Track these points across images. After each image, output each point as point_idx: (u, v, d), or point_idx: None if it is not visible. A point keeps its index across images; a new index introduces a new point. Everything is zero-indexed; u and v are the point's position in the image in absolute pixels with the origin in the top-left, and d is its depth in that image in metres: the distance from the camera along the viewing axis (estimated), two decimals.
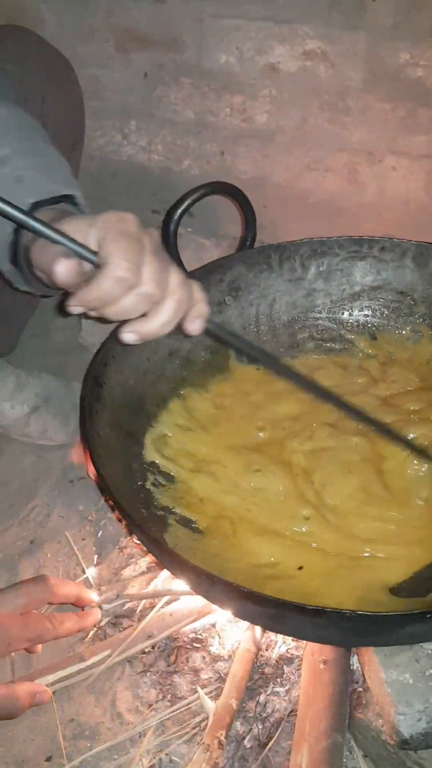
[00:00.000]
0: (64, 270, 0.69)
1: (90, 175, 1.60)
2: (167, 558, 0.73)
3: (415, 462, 0.92)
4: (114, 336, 0.98)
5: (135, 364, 1.01)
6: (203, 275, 1.07)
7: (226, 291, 1.09)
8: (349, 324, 1.13)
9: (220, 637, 1.01)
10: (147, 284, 0.70)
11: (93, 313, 0.73)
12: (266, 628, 0.82)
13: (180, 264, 1.08)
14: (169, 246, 1.07)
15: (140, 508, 0.89)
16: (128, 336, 0.73)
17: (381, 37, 1.26)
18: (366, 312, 1.11)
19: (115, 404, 0.95)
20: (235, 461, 0.97)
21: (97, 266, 0.69)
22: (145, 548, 0.80)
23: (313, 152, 1.41)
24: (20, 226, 0.70)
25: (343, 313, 1.13)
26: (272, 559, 0.85)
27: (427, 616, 0.62)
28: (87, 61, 1.39)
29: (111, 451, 0.89)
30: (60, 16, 1.41)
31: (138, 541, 0.90)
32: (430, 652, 0.80)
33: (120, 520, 1.15)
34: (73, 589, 0.90)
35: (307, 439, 0.98)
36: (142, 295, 0.70)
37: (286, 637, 0.96)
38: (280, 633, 0.81)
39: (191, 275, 1.07)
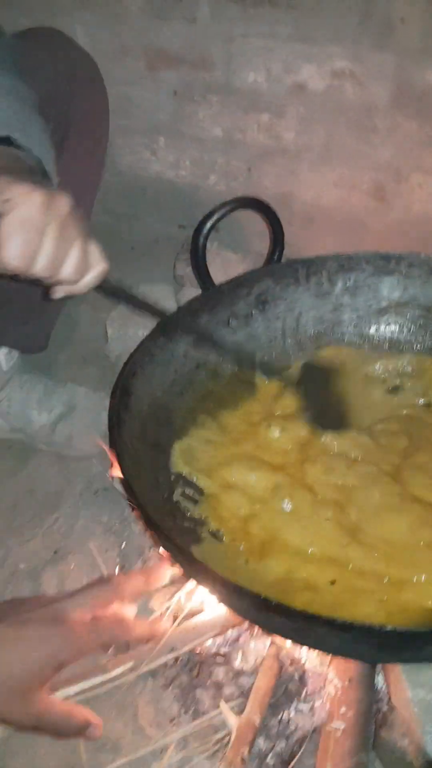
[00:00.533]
0: None
1: (119, 190, 1.62)
2: (195, 568, 0.73)
3: None
4: (142, 347, 0.99)
5: (162, 375, 1.01)
6: (231, 288, 1.07)
7: (254, 304, 1.10)
8: (376, 339, 1.13)
9: (243, 652, 1.00)
10: (54, 228, 0.72)
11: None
12: (293, 641, 0.81)
13: (208, 277, 1.09)
14: (198, 260, 1.08)
15: (167, 519, 0.88)
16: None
17: (409, 58, 1.27)
18: (393, 327, 1.11)
19: (143, 415, 0.96)
20: (263, 480, 0.96)
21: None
22: (172, 559, 0.80)
23: (339, 170, 1.42)
24: None
25: (369, 329, 1.13)
26: (304, 574, 0.84)
27: None
28: (118, 79, 1.41)
29: (138, 462, 0.89)
30: (93, 36, 1.43)
31: (165, 552, 0.90)
32: None
33: (146, 531, 1.15)
34: (140, 581, 0.82)
35: (328, 471, 0.97)
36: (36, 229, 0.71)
37: (310, 652, 0.95)
38: (307, 646, 0.80)
39: (219, 288, 1.08)
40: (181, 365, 1.04)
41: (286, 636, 0.75)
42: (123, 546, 1.16)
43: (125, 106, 1.50)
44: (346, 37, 1.28)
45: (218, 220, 1.07)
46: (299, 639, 0.73)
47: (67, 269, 0.76)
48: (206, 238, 1.06)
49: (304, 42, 1.32)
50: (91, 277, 0.80)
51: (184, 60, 1.41)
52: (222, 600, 0.75)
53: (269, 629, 0.78)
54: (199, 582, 0.81)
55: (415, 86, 1.28)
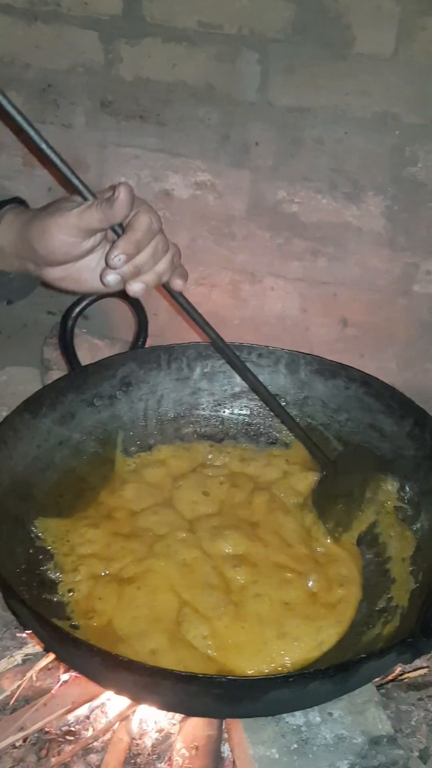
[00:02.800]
0: (127, 194, 0.86)
1: None
2: (38, 624, 0.75)
3: None
4: (7, 422, 1.03)
5: (25, 451, 1.05)
6: (97, 369, 1.14)
7: (118, 386, 1.16)
8: (229, 421, 1.22)
9: (93, 728, 1.01)
10: (162, 233, 0.92)
11: (127, 266, 0.89)
12: (143, 700, 0.83)
13: (75, 358, 1.15)
14: (66, 341, 1.14)
15: (23, 589, 0.90)
16: (137, 286, 0.92)
17: (262, 176, 1.43)
18: (245, 411, 1.21)
19: (3, 489, 0.98)
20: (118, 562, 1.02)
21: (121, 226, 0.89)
22: (20, 621, 0.81)
23: (201, 269, 1.55)
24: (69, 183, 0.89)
25: (224, 411, 1.23)
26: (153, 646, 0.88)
27: (290, 679, 0.68)
28: None
29: None
30: None
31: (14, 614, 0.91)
32: (294, 727, 0.84)
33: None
34: None
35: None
36: (160, 241, 0.90)
37: (159, 725, 0.98)
38: (156, 705, 0.83)
39: (85, 369, 1.14)
40: (44, 441, 1.08)
41: (134, 695, 0.78)
42: None
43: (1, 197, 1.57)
44: (208, 153, 1.43)
45: (86, 306, 1.14)
46: (148, 696, 0.76)
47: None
48: (74, 321, 1.13)
49: (170, 154, 1.46)
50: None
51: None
52: (68, 662, 0.77)
53: (117, 688, 0.81)
54: (36, 635, 0.83)
55: (267, 201, 1.44)
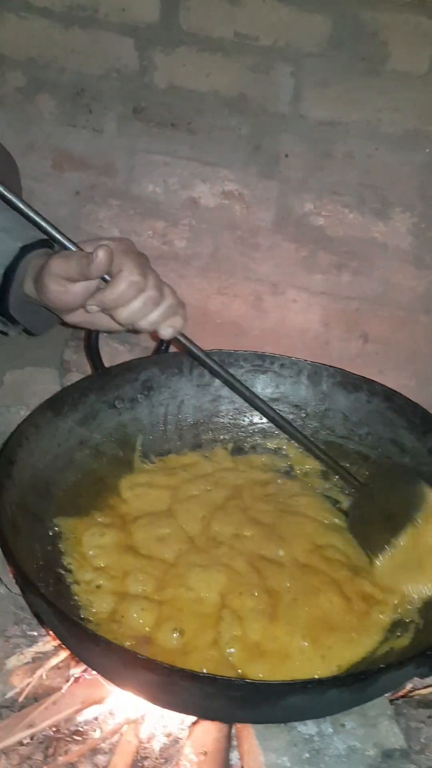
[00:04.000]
0: (104, 257, 0.87)
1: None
2: (57, 619, 0.75)
3: None
4: (30, 419, 1.03)
5: (46, 448, 1.05)
6: (120, 372, 1.14)
7: (140, 389, 1.17)
8: (249, 430, 1.22)
9: (101, 729, 1.00)
10: (151, 289, 0.92)
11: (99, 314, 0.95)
12: (157, 701, 0.83)
13: (99, 360, 1.15)
14: (91, 344, 1.15)
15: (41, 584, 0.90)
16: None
17: (290, 188, 1.44)
18: (264, 419, 1.21)
19: (24, 485, 0.99)
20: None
21: (110, 277, 0.91)
22: (37, 615, 0.81)
23: (224, 278, 1.56)
24: (51, 239, 0.92)
25: (244, 420, 1.23)
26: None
27: (308, 686, 0.68)
28: (23, 173, 1.50)
29: (16, 528, 0.92)
30: (2, 131, 1.53)
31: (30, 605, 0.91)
32: (306, 736, 0.84)
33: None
34: None
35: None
36: (148, 297, 0.92)
37: (167, 728, 0.97)
38: (168, 707, 0.82)
39: (108, 370, 1.15)
40: (65, 440, 1.09)
41: (150, 695, 0.78)
42: None
43: (28, 199, 1.58)
44: (238, 163, 1.44)
45: None
46: (163, 696, 0.76)
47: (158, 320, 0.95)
48: (98, 332, 1.13)
49: (200, 163, 1.47)
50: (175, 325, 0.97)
51: (89, 165, 1.53)
52: (82, 657, 0.77)
53: (133, 688, 0.81)
54: (56, 634, 0.83)
55: (294, 213, 1.45)
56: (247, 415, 1.23)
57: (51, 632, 0.86)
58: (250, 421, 1.23)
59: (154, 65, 1.42)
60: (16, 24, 1.44)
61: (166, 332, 0.97)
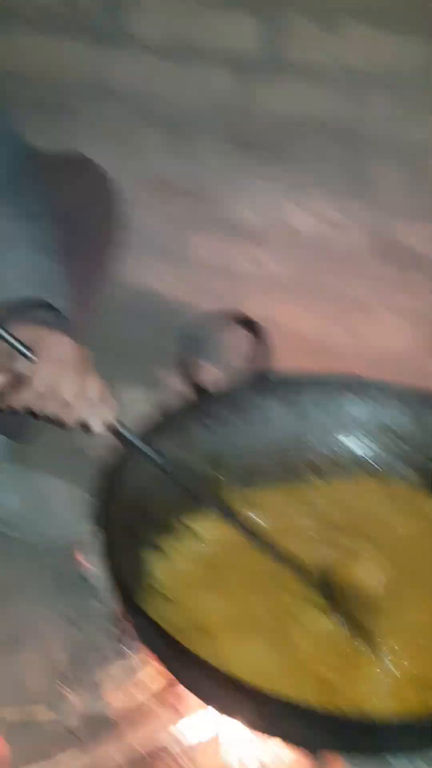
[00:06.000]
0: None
1: (115, 306, 1.71)
2: (168, 646, 0.76)
3: None
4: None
5: (145, 467, 1.07)
6: (218, 395, 1.15)
7: (232, 410, 1.17)
8: (343, 453, 1.20)
9: (189, 747, 1.00)
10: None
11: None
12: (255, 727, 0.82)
13: (197, 383, 1.16)
14: (186, 366, 1.16)
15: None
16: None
17: (385, 211, 1.43)
18: (360, 444, 1.19)
19: (126, 504, 1.00)
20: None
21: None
22: (137, 633, 0.82)
23: (317, 302, 1.56)
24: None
25: (336, 445, 1.21)
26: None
27: None
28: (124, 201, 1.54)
29: (117, 550, 0.93)
30: (108, 162, 1.57)
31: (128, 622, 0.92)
32: None
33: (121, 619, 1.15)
34: None
35: None
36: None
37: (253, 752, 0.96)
38: (269, 733, 0.81)
39: (203, 392, 1.16)
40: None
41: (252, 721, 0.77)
42: (81, 637, 1.16)
43: (130, 226, 1.62)
44: (333, 188, 1.45)
45: (211, 331, 1.16)
46: (265, 725, 0.75)
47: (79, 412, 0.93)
48: (201, 344, 1.15)
49: (295, 188, 1.48)
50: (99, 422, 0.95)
51: (187, 191, 1.57)
52: (185, 681, 0.78)
53: (237, 713, 0.80)
54: (166, 664, 0.84)
55: (388, 236, 1.44)
56: (340, 437, 1.21)
57: (148, 651, 0.87)
58: (342, 445, 1.21)
59: (252, 92, 1.45)
60: (125, 59, 1.49)
61: (94, 427, 0.95)
